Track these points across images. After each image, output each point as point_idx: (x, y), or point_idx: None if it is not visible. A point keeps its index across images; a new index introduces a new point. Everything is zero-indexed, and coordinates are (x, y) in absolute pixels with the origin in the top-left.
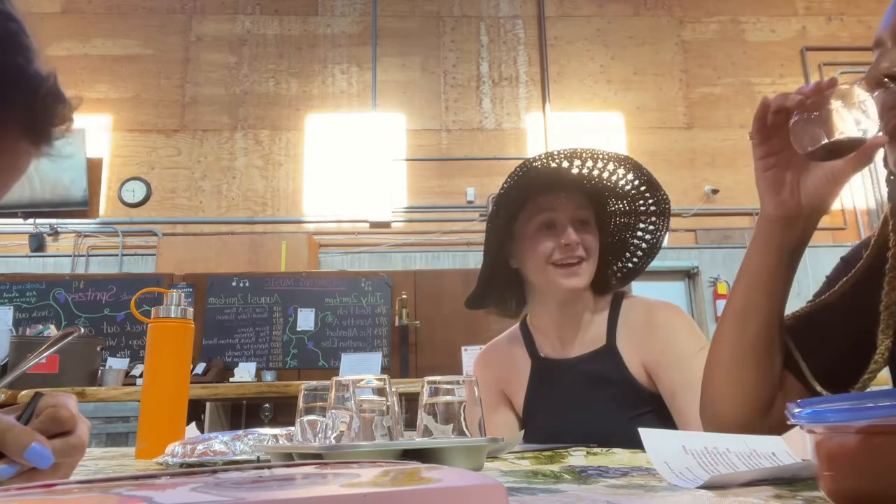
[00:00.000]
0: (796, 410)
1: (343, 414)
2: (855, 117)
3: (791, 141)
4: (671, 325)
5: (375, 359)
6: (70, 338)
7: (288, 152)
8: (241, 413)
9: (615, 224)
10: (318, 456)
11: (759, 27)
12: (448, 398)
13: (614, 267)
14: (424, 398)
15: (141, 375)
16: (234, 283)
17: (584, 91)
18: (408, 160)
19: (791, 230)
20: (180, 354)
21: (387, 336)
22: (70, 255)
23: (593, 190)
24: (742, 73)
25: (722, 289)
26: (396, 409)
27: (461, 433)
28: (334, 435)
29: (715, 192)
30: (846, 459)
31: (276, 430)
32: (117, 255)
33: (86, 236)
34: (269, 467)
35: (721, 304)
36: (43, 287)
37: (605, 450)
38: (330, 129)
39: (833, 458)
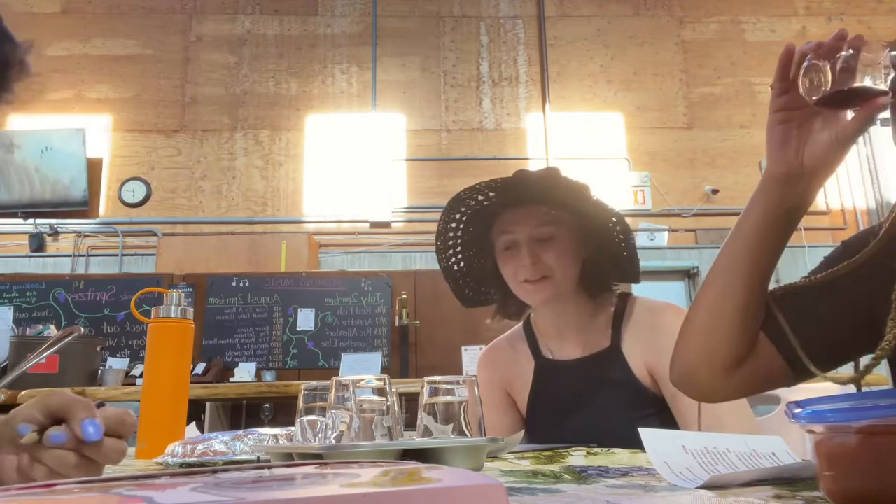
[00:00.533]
0: (796, 411)
1: (343, 414)
2: (870, 72)
3: (800, 84)
4: (676, 327)
5: (375, 359)
6: (70, 338)
7: (288, 152)
8: (241, 413)
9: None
10: (318, 456)
11: (759, 27)
12: (448, 398)
13: (608, 266)
14: (424, 398)
15: (141, 375)
16: (234, 283)
17: (584, 91)
18: (408, 160)
19: (790, 189)
20: (180, 354)
21: (387, 336)
22: (70, 255)
23: (571, 195)
24: (742, 73)
25: None
26: (396, 409)
27: (461, 433)
28: (334, 435)
29: (715, 192)
30: (846, 459)
31: (276, 430)
32: (117, 256)
33: (86, 236)
34: (269, 467)
35: None
36: (43, 287)
37: (605, 450)
38: (330, 129)
39: (833, 458)
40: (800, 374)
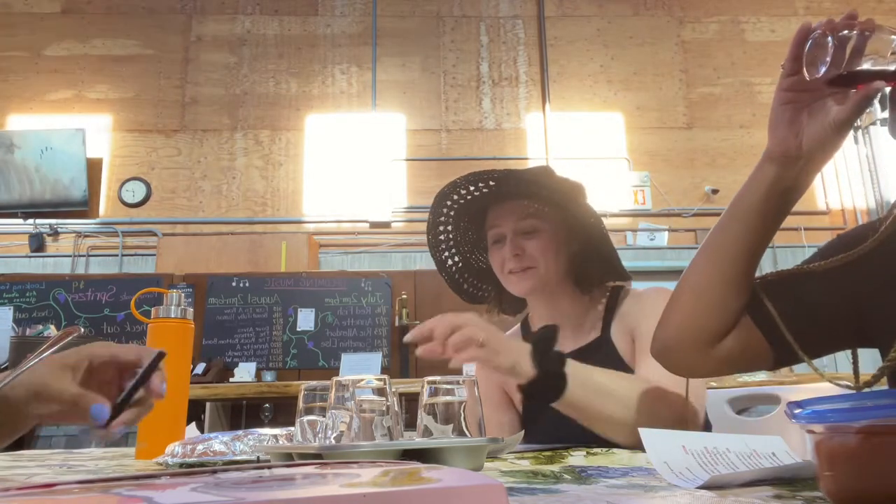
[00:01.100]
0: (796, 411)
1: (343, 414)
2: (876, 56)
3: (804, 60)
4: (658, 301)
5: (375, 359)
6: (70, 338)
7: (288, 152)
8: (241, 413)
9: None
10: (317, 456)
11: (759, 27)
12: (448, 398)
13: (597, 262)
14: (424, 398)
15: None
16: (234, 284)
17: (584, 91)
18: (407, 160)
19: (787, 170)
20: (180, 355)
21: (387, 336)
22: (70, 256)
23: (557, 192)
24: (742, 73)
25: None
26: (396, 409)
27: (461, 433)
28: (334, 435)
29: (715, 192)
30: (846, 459)
31: (276, 430)
32: (117, 256)
33: (86, 236)
34: (269, 467)
35: None
36: (43, 287)
37: (605, 450)
38: (330, 129)
39: (833, 458)
40: (780, 360)
